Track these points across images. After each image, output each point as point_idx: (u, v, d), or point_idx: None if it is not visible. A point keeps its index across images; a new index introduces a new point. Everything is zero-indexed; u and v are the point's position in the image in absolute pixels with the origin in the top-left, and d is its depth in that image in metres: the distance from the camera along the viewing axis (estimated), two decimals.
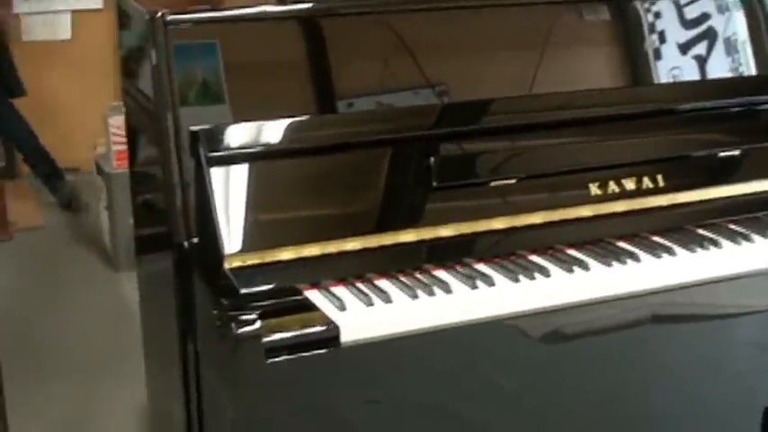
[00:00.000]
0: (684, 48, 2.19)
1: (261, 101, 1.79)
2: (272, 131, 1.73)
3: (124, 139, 3.96)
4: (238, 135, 1.70)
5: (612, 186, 1.96)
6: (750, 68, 2.23)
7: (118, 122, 3.98)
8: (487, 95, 1.92)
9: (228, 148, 1.69)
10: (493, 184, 1.87)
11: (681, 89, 2.15)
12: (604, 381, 2.31)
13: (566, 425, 2.28)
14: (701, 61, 2.19)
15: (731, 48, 2.23)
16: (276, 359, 1.55)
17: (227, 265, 1.64)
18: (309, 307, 1.63)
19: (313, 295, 1.67)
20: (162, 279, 1.91)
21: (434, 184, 1.81)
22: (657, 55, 2.16)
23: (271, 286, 1.65)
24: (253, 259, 1.67)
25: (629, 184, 1.97)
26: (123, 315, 3.72)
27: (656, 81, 2.15)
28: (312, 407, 1.96)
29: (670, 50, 2.18)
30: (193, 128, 1.68)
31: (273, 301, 1.62)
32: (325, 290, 1.69)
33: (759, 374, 2.52)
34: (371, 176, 1.80)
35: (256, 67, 1.84)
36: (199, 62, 1.75)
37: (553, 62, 2.02)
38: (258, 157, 1.72)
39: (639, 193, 1.98)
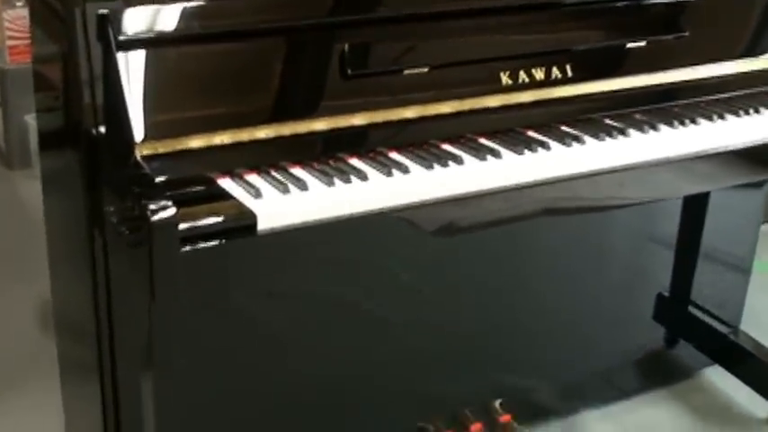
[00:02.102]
0: None
1: None
2: (184, 14, 1.68)
3: (19, 34, 3.94)
4: (149, 18, 1.65)
5: (522, 76, 1.97)
6: None
7: (12, 16, 3.93)
8: None
9: (139, 32, 1.63)
10: (405, 72, 1.86)
11: None
12: (506, 270, 2.35)
13: (467, 314, 2.32)
14: None
15: None
16: (191, 247, 1.53)
17: (138, 154, 1.60)
18: (224, 195, 1.61)
19: (226, 183, 1.65)
20: (69, 172, 1.86)
21: (347, 71, 1.79)
22: None
23: (183, 175, 1.62)
24: (164, 147, 1.64)
25: (538, 74, 1.98)
26: (19, 212, 3.65)
27: None
28: (221, 300, 1.96)
29: None
30: (102, 11, 1.61)
31: (187, 189, 1.59)
32: (239, 178, 1.67)
33: (652, 263, 2.60)
34: (284, 64, 1.77)
35: None
36: None
37: None
38: (169, 42, 1.67)
39: (548, 83, 2.00)
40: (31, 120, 3.94)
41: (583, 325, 2.53)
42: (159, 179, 1.57)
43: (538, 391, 2.49)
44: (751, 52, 2.25)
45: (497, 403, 2.39)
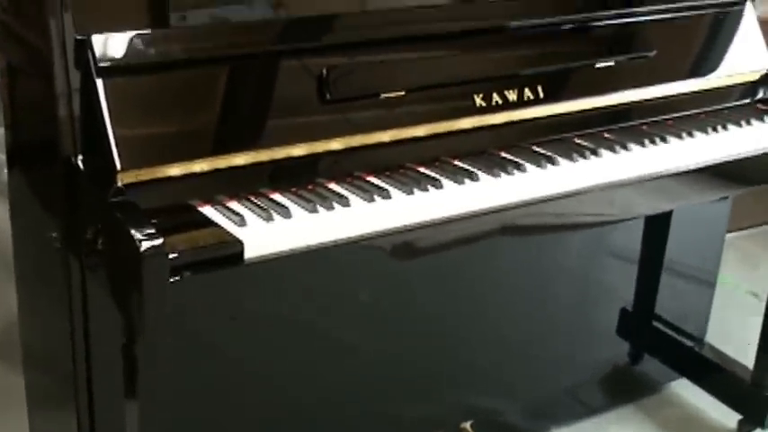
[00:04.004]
0: None
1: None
2: (162, 41, 1.67)
3: None
4: (129, 44, 1.63)
5: (495, 98, 1.98)
6: None
7: None
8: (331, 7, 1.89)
9: (118, 59, 1.62)
10: (382, 96, 1.86)
11: (559, 2, 2.16)
12: (469, 291, 2.36)
13: (433, 337, 2.32)
14: None
15: None
16: (178, 278, 1.51)
17: (119, 181, 1.59)
18: (209, 223, 1.60)
19: (209, 211, 1.64)
20: (43, 195, 1.83)
21: (326, 96, 1.79)
22: None
23: (165, 203, 1.61)
24: (144, 175, 1.62)
25: (511, 96, 2.00)
26: None
27: None
28: (185, 324, 1.93)
29: None
30: (79, 36, 1.60)
31: (171, 217, 1.57)
32: (221, 206, 1.66)
33: (615, 278, 2.62)
34: (261, 90, 1.76)
35: None
36: None
37: None
38: (147, 69, 1.65)
39: (520, 104, 2.01)
40: None
41: (547, 342, 2.54)
42: (145, 207, 1.55)
43: (507, 411, 2.50)
44: (715, 70, 2.28)
45: (468, 424, 2.39)
